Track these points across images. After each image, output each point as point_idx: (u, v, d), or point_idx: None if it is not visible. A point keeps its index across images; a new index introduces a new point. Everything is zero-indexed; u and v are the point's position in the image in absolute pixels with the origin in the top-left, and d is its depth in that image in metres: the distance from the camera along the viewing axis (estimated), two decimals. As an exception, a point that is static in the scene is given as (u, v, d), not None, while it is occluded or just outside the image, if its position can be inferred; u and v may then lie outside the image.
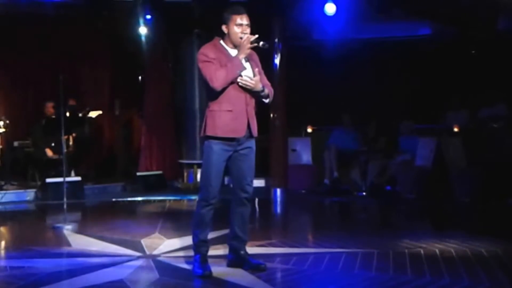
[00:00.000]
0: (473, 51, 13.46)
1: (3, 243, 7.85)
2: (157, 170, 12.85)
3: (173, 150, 13.14)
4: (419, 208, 10.33)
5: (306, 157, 12.63)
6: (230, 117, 5.51)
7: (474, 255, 6.30)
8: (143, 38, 12.52)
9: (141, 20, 12.21)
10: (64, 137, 9.39)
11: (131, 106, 14.25)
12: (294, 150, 12.51)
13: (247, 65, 5.59)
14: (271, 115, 11.93)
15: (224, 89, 5.47)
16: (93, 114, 12.63)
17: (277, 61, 11.81)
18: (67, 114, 10.91)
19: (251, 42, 5.48)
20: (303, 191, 11.90)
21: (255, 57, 5.74)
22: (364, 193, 11.51)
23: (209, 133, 5.53)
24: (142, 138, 13.22)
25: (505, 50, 11.62)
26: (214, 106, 5.54)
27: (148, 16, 12.01)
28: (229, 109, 5.51)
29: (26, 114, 13.01)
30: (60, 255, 6.70)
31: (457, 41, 13.14)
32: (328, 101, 13.20)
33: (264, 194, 11.55)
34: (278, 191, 11.69)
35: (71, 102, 12.13)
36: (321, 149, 12.21)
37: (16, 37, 12.51)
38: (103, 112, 13.16)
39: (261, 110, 10.53)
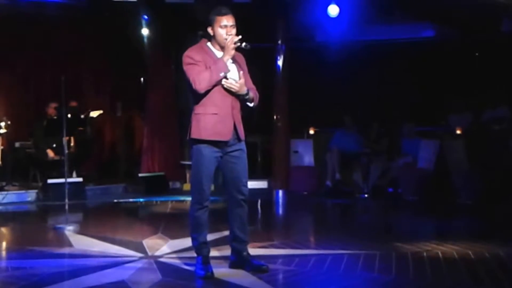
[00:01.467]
0: (477, 53, 13.44)
1: (4, 243, 7.83)
2: (159, 171, 12.84)
3: (175, 151, 13.13)
4: (421, 210, 10.30)
5: (308, 158, 12.61)
6: (215, 120, 5.49)
7: (477, 257, 6.28)
8: (145, 39, 12.53)
9: (143, 21, 12.22)
10: (65, 138, 9.38)
11: (133, 107, 14.26)
12: (296, 152, 12.50)
13: (232, 67, 5.57)
14: (274, 117, 11.95)
15: (209, 92, 5.46)
16: (94, 113, 12.62)
17: (280, 62, 11.83)
18: (69, 115, 10.90)
19: (235, 43, 5.46)
20: (305, 193, 11.89)
21: (241, 59, 5.72)
22: (366, 195, 11.50)
23: (194, 135, 5.53)
24: (144, 139, 13.21)
25: (509, 52, 11.59)
26: (199, 109, 5.53)
27: (146, 17, 12.03)
28: (214, 112, 5.49)
29: (27, 114, 12.99)
30: (61, 256, 6.68)
31: (461, 43, 13.13)
32: (330, 103, 13.18)
33: (266, 195, 11.55)
34: (280, 192, 11.71)
35: (73, 104, 12.14)
36: (323, 151, 12.19)
37: (18, 38, 12.50)
38: (105, 113, 13.15)
39: (264, 111, 10.55)
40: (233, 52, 5.49)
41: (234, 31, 5.53)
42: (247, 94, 5.58)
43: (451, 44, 13.24)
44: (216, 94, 5.49)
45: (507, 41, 11.87)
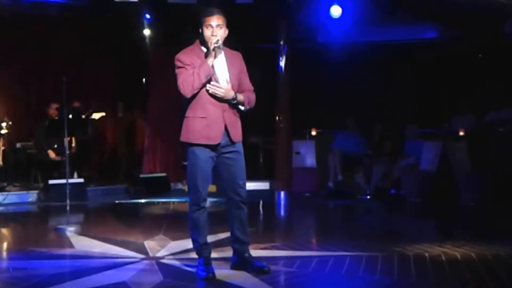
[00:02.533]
0: (480, 55, 13.41)
1: (6, 244, 7.82)
2: (160, 172, 12.83)
3: (176, 152, 13.10)
4: (424, 212, 10.28)
5: (310, 160, 12.59)
6: (203, 124, 5.47)
7: (479, 259, 6.25)
8: (147, 40, 12.52)
9: (145, 22, 12.21)
10: (66, 139, 9.37)
11: (134, 108, 14.25)
12: (298, 153, 12.48)
13: (223, 68, 5.54)
14: (276, 118, 11.93)
15: (198, 95, 5.45)
16: (96, 115, 12.61)
17: (282, 63, 11.81)
18: (70, 116, 10.89)
19: (214, 44, 5.41)
20: (307, 194, 11.86)
21: (238, 58, 5.69)
22: (368, 197, 11.46)
23: (182, 139, 5.56)
24: (145, 139, 13.20)
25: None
26: (189, 112, 5.54)
27: (148, 17, 12.02)
28: (202, 116, 5.48)
29: (29, 115, 13.00)
30: (63, 257, 6.68)
31: (464, 45, 13.11)
32: (332, 104, 13.17)
33: (268, 196, 11.53)
34: (282, 194, 11.69)
35: (76, 104, 12.12)
36: (325, 152, 12.16)
37: (20, 38, 12.51)
38: (106, 114, 13.14)
39: (266, 112, 10.54)
40: (214, 53, 5.43)
41: (221, 31, 5.47)
42: (234, 98, 5.52)
43: (454, 45, 13.21)
44: (206, 97, 5.48)
45: (509, 42, 11.84)
